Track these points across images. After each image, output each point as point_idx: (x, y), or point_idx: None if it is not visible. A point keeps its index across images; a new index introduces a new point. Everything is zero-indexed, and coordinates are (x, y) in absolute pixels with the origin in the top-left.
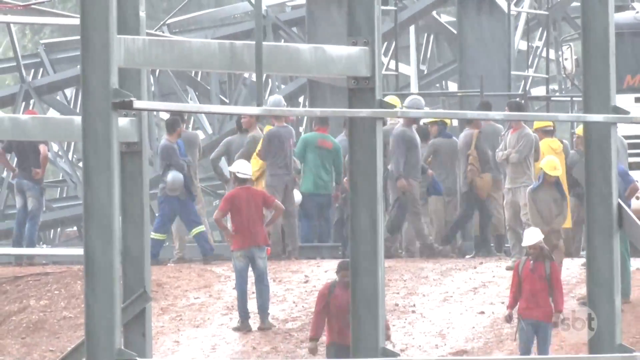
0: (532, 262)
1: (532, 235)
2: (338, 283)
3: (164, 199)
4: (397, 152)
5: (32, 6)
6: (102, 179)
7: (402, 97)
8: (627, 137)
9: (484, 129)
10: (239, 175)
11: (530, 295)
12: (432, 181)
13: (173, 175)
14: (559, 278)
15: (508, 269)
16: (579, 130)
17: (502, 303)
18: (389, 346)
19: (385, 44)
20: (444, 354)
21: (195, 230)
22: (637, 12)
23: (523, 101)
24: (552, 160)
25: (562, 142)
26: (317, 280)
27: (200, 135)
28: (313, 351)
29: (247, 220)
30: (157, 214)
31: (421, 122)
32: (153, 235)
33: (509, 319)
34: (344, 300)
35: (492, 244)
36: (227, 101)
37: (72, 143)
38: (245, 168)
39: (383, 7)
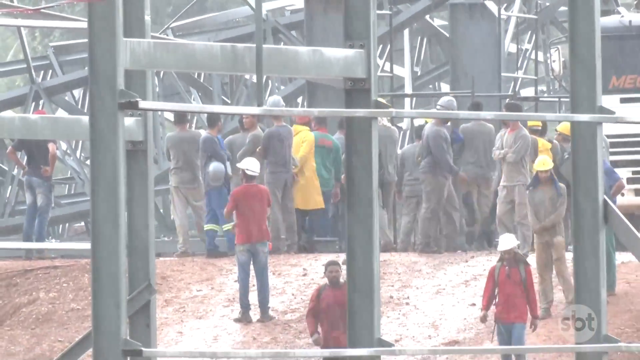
0: (507, 267)
1: (506, 241)
2: (327, 285)
3: (210, 190)
4: (439, 150)
5: (42, 10)
6: (109, 177)
7: (397, 98)
8: (612, 137)
9: (473, 128)
10: (247, 172)
11: (507, 300)
12: (453, 133)
13: (215, 166)
14: (532, 283)
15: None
16: (561, 127)
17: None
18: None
19: (381, 46)
20: (436, 345)
21: (226, 227)
22: (622, 16)
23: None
24: (542, 158)
25: (552, 142)
26: (315, 273)
27: (203, 134)
28: (317, 342)
29: (251, 216)
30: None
31: (415, 122)
32: (207, 226)
33: (484, 319)
34: (333, 300)
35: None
36: (229, 101)
37: (80, 142)
38: (254, 165)
39: (378, 12)
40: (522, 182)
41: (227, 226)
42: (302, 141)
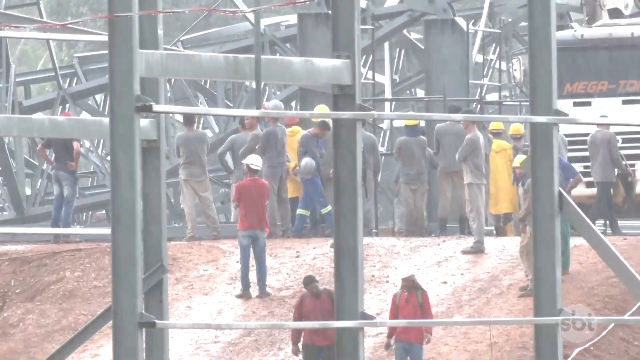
0: (406, 293)
1: (405, 271)
2: (308, 295)
3: (304, 182)
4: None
5: (68, 25)
6: (127, 171)
7: (378, 102)
8: (567, 135)
9: (446, 128)
10: (252, 166)
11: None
12: None
13: (305, 161)
14: (429, 305)
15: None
16: (511, 129)
17: (462, 275)
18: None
19: (364, 57)
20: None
21: (325, 210)
22: (575, 31)
23: (480, 106)
24: (517, 157)
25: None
26: (307, 255)
27: (208, 133)
28: (295, 352)
29: (253, 207)
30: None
31: (394, 124)
32: (299, 211)
33: (387, 346)
34: (313, 308)
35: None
36: (231, 105)
37: (102, 140)
38: (257, 161)
39: (362, 27)
40: (470, 181)
41: (327, 209)
42: None
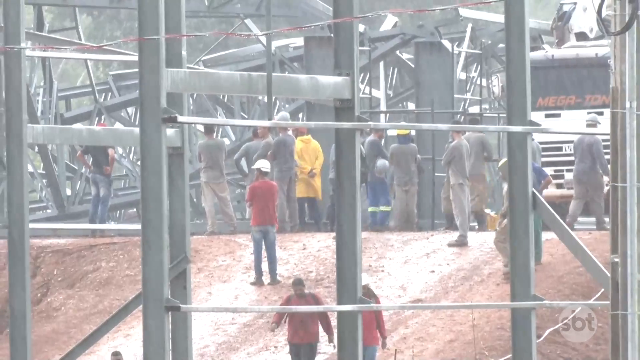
0: None
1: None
2: (294, 295)
3: (374, 181)
4: (602, 154)
5: (104, 47)
6: (155, 174)
7: (374, 114)
8: (541, 143)
9: (470, 137)
10: (262, 169)
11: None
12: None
13: (381, 162)
14: (381, 312)
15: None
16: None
17: (448, 265)
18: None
19: (362, 75)
20: (405, 302)
21: (384, 208)
22: (546, 52)
23: (462, 117)
24: (504, 159)
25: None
26: (312, 247)
27: (226, 141)
28: (273, 328)
29: (264, 205)
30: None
31: (388, 133)
32: (370, 209)
33: None
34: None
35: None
36: (246, 116)
37: (133, 147)
38: (266, 164)
39: (360, 48)
40: (453, 182)
41: (385, 208)
42: (317, 151)
